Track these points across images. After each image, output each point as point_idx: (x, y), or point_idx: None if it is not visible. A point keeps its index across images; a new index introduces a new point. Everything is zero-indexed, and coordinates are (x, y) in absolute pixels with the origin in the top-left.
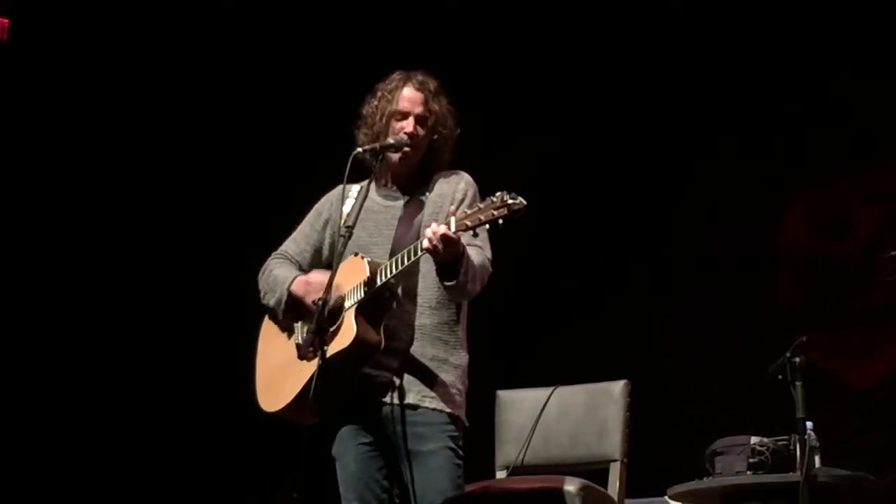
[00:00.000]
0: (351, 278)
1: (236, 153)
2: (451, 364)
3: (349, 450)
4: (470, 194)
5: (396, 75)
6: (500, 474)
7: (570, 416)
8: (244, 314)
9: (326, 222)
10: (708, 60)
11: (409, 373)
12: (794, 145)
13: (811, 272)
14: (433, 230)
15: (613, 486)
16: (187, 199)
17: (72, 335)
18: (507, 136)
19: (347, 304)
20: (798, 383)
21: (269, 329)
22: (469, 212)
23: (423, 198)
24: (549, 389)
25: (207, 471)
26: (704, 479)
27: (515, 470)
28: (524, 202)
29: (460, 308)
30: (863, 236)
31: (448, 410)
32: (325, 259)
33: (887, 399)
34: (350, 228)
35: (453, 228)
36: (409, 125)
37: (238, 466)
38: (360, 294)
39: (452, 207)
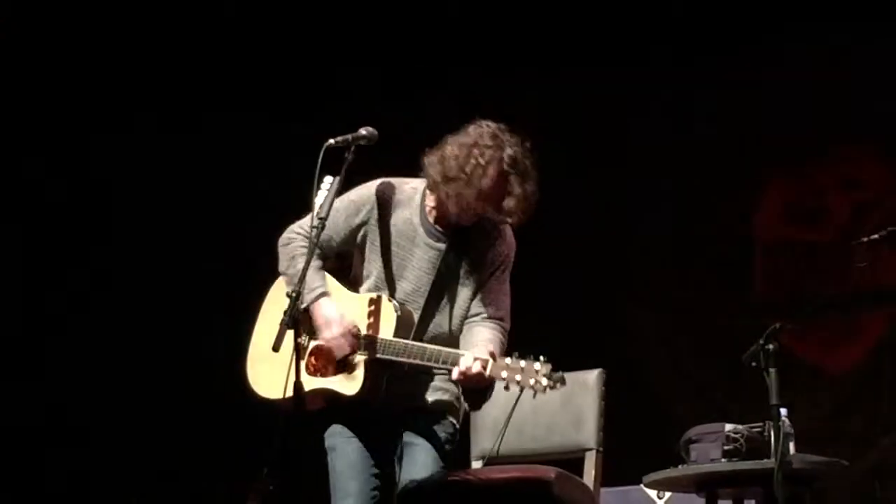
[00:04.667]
0: (373, 322)
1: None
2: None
3: (347, 441)
4: (508, 264)
5: (493, 139)
6: (476, 464)
7: (545, 406)
8: (217, 302)
9: (361, 226)
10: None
11: (412, 379)
12: (770, 133)
13: (786, 259)
14: (467, 367)
15: (589, 475)
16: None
17: (45, 321)
18: None
19: (362, 354)
20: (772, 370)
21: (276, 298)
22: (511, 365)
23: (465, 247)
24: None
25: (184, 460)
26: (679, 466)
27: (491, 460)
28: (564, 380)
29: None
30: (837, 223)
31: (446, 403)
32: (340, 249)
33: (861, 385)
34: (323, 220)
35: (488, 372)
36: (482, 208)
37: (214, 456)
38: (375, 352)
39: (491, 350)
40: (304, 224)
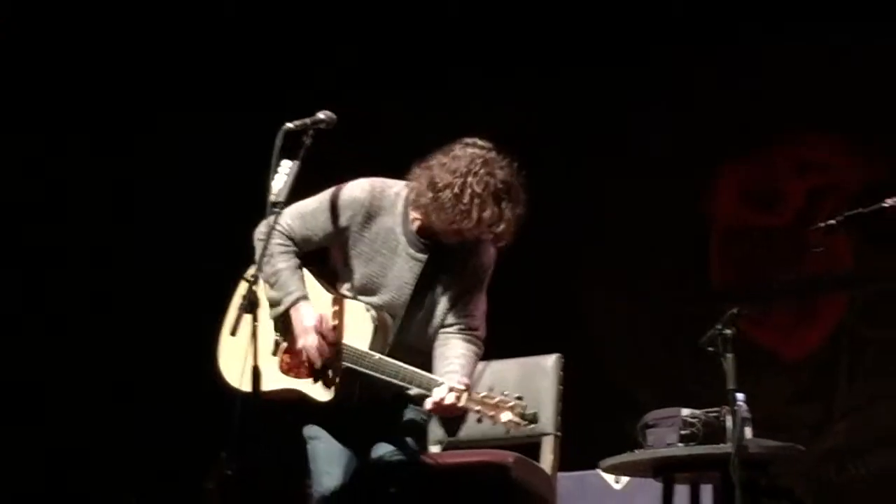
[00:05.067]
0: (350, 330)
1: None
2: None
3: (329, 428)
4: (487, 275)
5: (485, 166)
6: (434, 449)
7: (502, 390)
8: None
9: (345, 230)
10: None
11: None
12: (725, 119)
13: (743, 245)
14: (441, 398)
15: (546, 460)
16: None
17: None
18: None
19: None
20: (729, 355)
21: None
22: (484, 401)
23: (446, 258)
24: (482, 364)
25: (142, 443)
26: (636, 451)
27: (449, 445)
28: (536, 419)
29: None
30: (792, 208)
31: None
32: (319, 247)
33: (817, 369)
34: (277, 206)
35: (461, 404)
36: (475, 235)
37: (173, 439)
38: (349, 361)
39: (465, 381)
40: (281, 220)
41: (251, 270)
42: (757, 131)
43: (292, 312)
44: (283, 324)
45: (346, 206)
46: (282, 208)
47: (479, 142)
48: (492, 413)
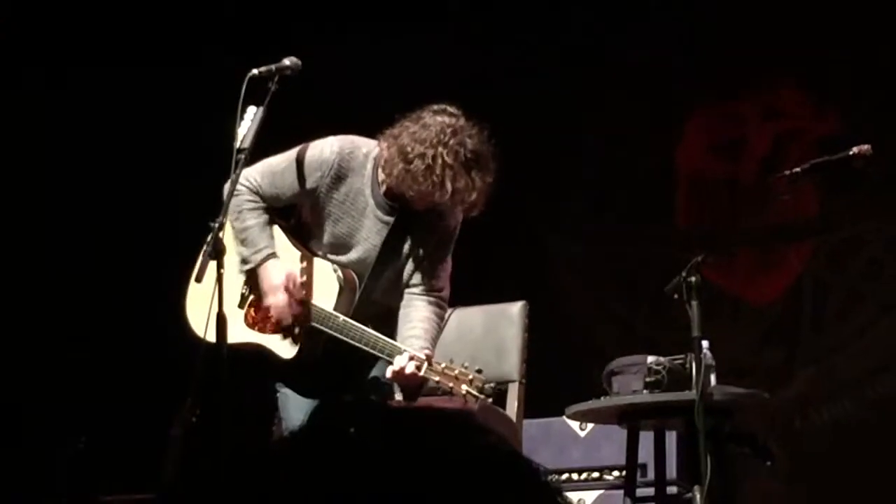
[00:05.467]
0: (320, 289)
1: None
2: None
3: (293, 384)
4: (454, 236)
5: (454, 135)
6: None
7: (468, 338)
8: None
9: (313, 189)
10: None
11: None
12: (692, 65)
13: (708, 191)
14: (401, 367)
15: (512, 407)
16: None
17: None
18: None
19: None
20: (694, 302)
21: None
22: (445, 372)
23: (414, 220)
24: (448, 311)
25: (102, 388)
26: (602, 398)
27: None
28: (492, 396)
29: None
30: (758, 155)
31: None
32: (287, 204)
33: (781, 317)
34: (242, 152)
35: (422, 373)
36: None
37: (138, 386)
38: (314, 321)
39: (427, 350)
40: (250, 177)
41: (218, 218)
42: (724, 80)
43: (260, 270)
44: (252, 279)
45: (314, 166)
46: (247, 155)
47: (449, 108)
48: (451, 384)
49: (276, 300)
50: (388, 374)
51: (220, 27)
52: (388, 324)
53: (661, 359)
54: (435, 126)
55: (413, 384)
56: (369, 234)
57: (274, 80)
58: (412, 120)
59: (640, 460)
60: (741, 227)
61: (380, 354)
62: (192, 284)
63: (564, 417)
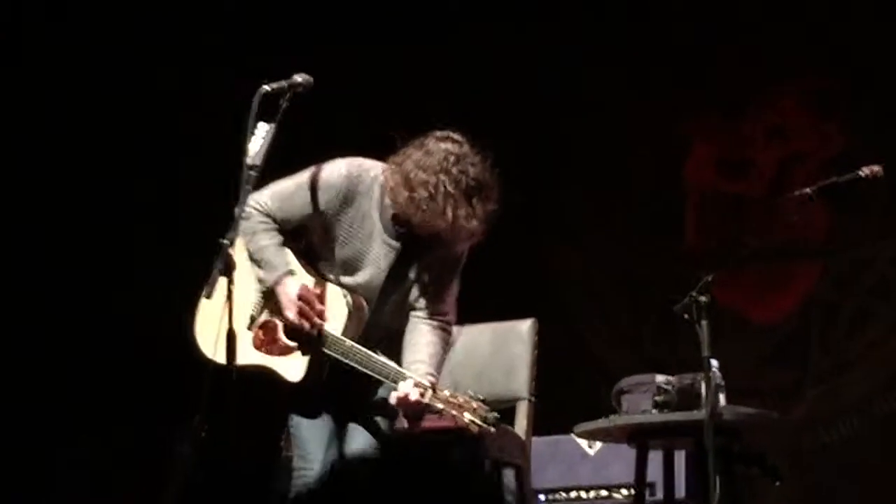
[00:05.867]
0: (329, 314)
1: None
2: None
3: (305, 403)
4: (461, 262)
5: (457, 163)
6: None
7: (476, 356)
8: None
9: (323, 212)
10: None
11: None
12: (703, 79)
13: (717, 210)
14: (406, 394)
15: (521, 425)
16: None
17: None
18: None
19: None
20: (703, 322)
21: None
22: (449, 400)
23: (421, 245)
24: (456, 329)
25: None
26: (611, 417)
27: None
28: (498, 422)
29: None
30: (765, 176)
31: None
32: (297, 227)
33: (790, 337)
34: (253, 168)
35: (426, 401)
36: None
37: (147, 402)
38: (323, 346)
39: (432, 378)
40: (260, 199)
41: (229, 234)
42: (732, 96)
43: (279, 288)
44: (266, 300)
45: (322, 190)
46: (258, 172)
47: (453, 135)
48: (454, 412)
49: (295, 312)
50: (393, 399)
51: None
52: (395, 347)
53: (671, 378)
54: (438, 153)
55: (416, 410)
56: (377, 257)
57: (286, 97)
58: (416, 146)
59: (649, 479)
60: (750, 246)
61: (384, 380)
62: (202, 305)
63: (573, 435)
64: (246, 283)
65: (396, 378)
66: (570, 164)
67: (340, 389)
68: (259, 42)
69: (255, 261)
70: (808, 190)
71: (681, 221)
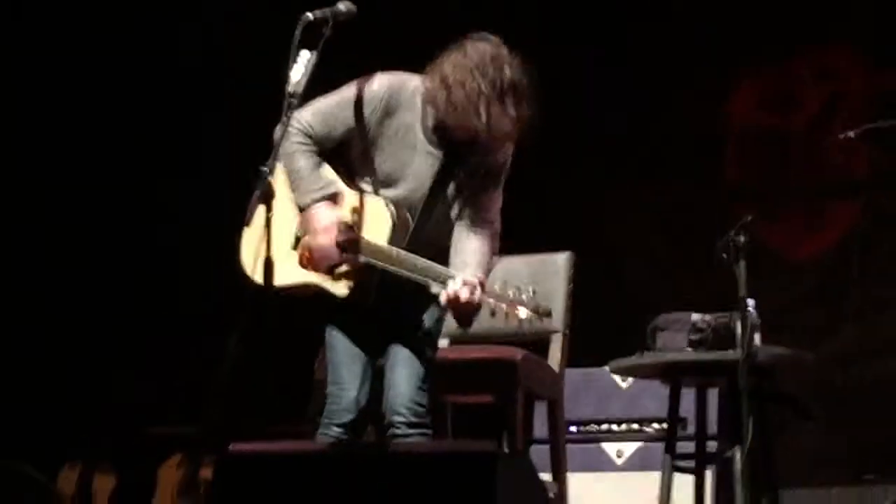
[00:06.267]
0: (369, 225)
1: None
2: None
3: (341, 335)
4: (504, 171)
5: (493, 61)
6: (442, 343)
7: (516, 284)
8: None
9: (365, 124)
10: None
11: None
12: (749, 20)
13: (759, 147)
14: (455, 291)
15: (555, 357)
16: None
17: None
18: None
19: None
20: (741, 262)
21: (279, 182)
22: (499, 295)
23: (463, 154)
24: (494, 259)
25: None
26: (645, 353)
27: (457, 339)
28: (550, 312)
29: None
30: (808, 114)
31: (438, 291)
32: (340, 141)
33: (827, 273)
34: (294, 96)
35: (477, 298)
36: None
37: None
38: (367, 255)
39: (480, 275)
40: (301, 118)
41: (268, 161)
42: (778, 37)
43: (309, 213)
44: (304, 221)
45: (365, 101)
46: (299, 100)
47: (490, 37)
48: (506, 307)
49: (323, 242)
50: (443, 298)
51: None
52: (441, 264)
53: (707, 316)
54: (475, 54)
55: (467, 309)
56: (420, 168)
57: (328, 26)
58: (453, 49)
59: (681, 414)
60: (790, 184)
61: (433, 282)
62: (247, 231)
63: (606, 368)
64: (288, 205)
65: (445, 278)
66: (616, 100)
67: (385, 313)
68: None
69: (291, 181)
70: (851, 133)
71: (722, 157)
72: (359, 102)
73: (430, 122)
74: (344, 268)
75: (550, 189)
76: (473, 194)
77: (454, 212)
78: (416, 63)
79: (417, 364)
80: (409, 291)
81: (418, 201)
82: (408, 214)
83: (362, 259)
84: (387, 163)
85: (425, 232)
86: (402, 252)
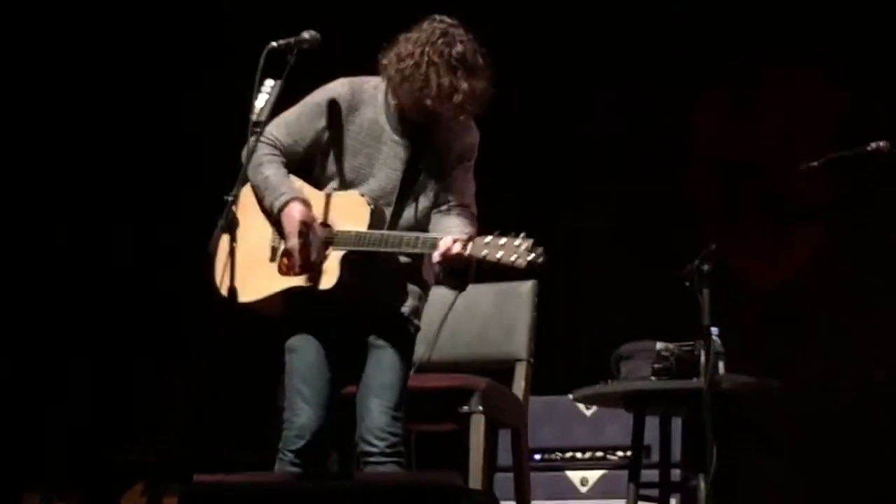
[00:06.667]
0: (346, 218)
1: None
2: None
3: (308, 343)
4: (473, 155)
5: (443, 36)
6: (421, 360)
7: (477, 315)
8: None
9: (325, 129)
10: None
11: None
12: (707, 41)
13: (718, 172)
14: (447, 248)
15: (519, 385)
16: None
17: None
18: None
19: (337, 250)
20: (705, 290)
21: (247, 203)
22: (491, 243)
23: (431, 140)
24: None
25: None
26: (609, 382)
27: (421, 367)
28: (544, 257)
29: None
30: (768, 138)
31: (412, 307)
32: (307, 154)
33: (791, 302)
34: (258, 125)
35: (468, 251)
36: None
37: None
38: (350, 245)
39: (472, 234)
40: (266, 132)
41: (232, 191)
42: (736, 60)
43: (286, 213)
44: (278, 227)
45: (327, 103)
46: (263, 128)
47: (446, 18)
48: (500, 254)
49: (295, 244)
50: (436, 258)
51: None
52: None
53: (670, 345)
54: (427, 29)
55: (461, 264)
56: (388, 159)
57: (293, 53)
58: (409, 30)
59: (645, 442)
60: (751, 209)
61: (423, 249)
62: (217, 260)
63: (570, 396)
64: (260, 219)
65: (434, 244)
66: (573, 125)
67: (368, 303)
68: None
69: (259, 190)
70: (815, 163)
71: (685, 183)
72: (321, 106)
73: (394, 112)
74: (329, 261)
75: (515, 216)
76: (445, 180)
77: (430, 200)
78: None
79: (390, 393)
80: (389, 286)
81: (391, 193)
82: (384, 207)
83: (343, 251)
84: (356, 159)
85: (402, 222)
86: (386, 231)
